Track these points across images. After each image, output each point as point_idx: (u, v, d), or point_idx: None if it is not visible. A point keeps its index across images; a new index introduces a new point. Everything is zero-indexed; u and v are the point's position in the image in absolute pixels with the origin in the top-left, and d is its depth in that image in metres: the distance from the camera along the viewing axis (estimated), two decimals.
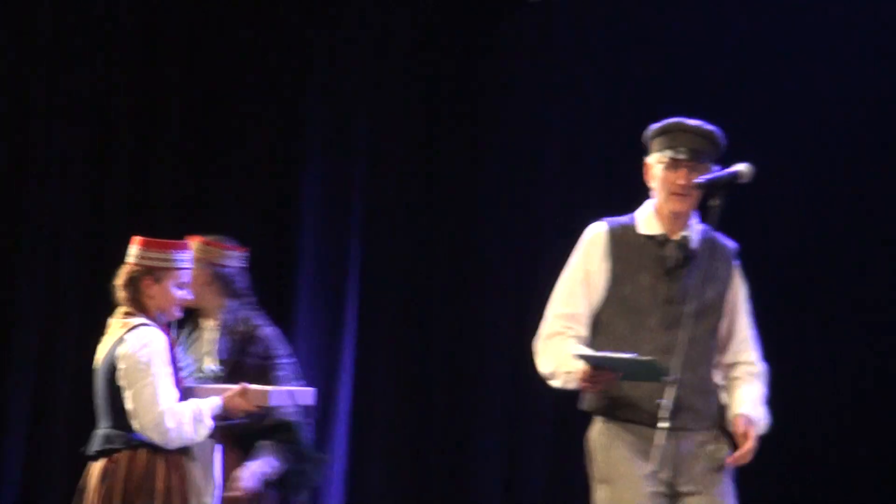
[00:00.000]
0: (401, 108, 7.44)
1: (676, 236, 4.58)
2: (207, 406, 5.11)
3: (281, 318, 6.84)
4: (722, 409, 4.57)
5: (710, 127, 4.59)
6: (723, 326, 4.61)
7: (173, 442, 5.04)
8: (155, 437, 5.02)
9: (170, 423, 5.01)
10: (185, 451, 5.11)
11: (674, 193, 4.54)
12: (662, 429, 4.28)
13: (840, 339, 7.07)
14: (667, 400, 4.29)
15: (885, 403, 7.05)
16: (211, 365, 5.61)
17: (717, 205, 4.37)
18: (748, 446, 4.44)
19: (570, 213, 7.31)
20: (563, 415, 7.20)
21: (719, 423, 4.57)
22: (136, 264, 5.18)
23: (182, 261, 5.24)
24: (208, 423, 5.09)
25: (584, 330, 4.60)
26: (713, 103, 6.52)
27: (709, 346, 4.56)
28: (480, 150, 7.47)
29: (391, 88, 7.44)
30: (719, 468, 4.51)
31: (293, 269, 7.15)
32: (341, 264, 7.23)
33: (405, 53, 7.44)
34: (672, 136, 4.56)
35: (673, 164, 4.53)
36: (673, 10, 7.36)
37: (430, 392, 7.33)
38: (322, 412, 6.97)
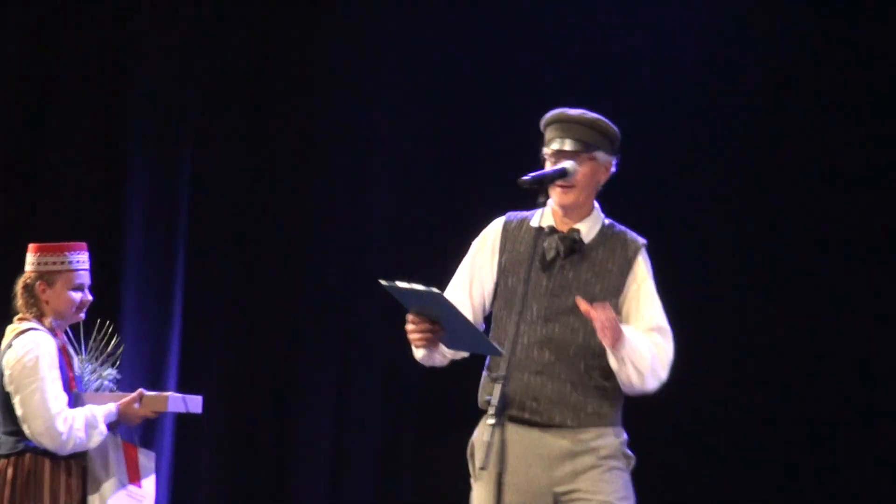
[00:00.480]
0: (228, 101, 7.39)
1: (565, 229, 4.46)
2: (102, 412, 5.15)
3: (108, 313, 6.81)
4: (612, 408, 4.41)
5: (591, 115, 4.44)
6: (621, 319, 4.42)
7: (65, 447, 5.08)
8: (47, 443, 5.06)
9: (61, 428, 5.05)
10: (76, 454, 5.13)
11: (557, 186, 4.41)
12: (489, 425, 4.15)
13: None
14: (494, 397, 4.15)
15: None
16: (112, 371, 5.55)
17: (544, 202, 4.28)
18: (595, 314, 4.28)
19: (397, 218, 7.42)
20: (392, 416, 7.28)
21: (610, 423, 4.40)
22: (30, 271, 5.28)
23: (76, 262, 5.31)
24: (102, 430, 5.14)
25: (469, 315, 4.46)
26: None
27: (593, 341, 4.34)
28: (306, 154, 7.46)
29: (217, 81, 7.39)
30: (603, 468, 4.35)
31: (119, 267, 7.05)
32: (168, 261, 7.17)
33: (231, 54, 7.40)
34: (553, 128, 4.44)
35: (555, 157, 4.42)
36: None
37: (255, 387, 7.32)
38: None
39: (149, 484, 5.41)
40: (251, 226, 7.37)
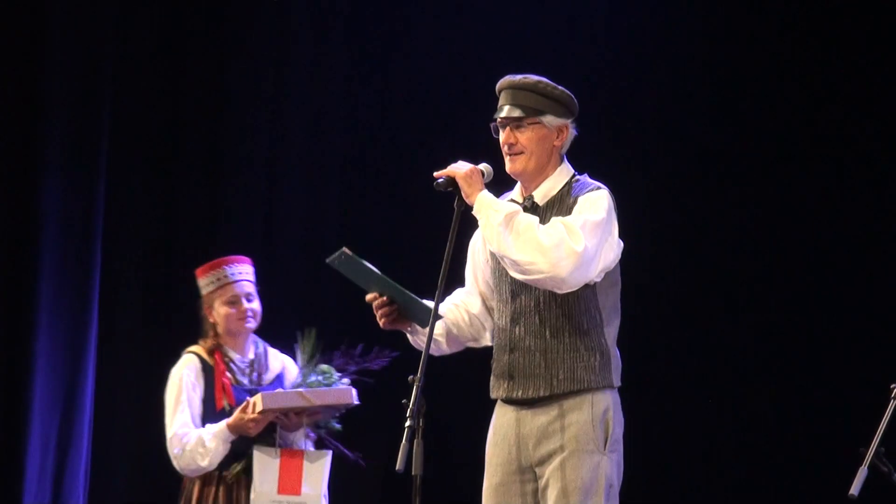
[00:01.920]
0: (146, 93, 7.32)
1: (522, 199, 4.39)
2: (212, 431, 5.38)
3: (21, 311, 6.73)
4: (588, 370, 4.24)
5: (533, 78, 4.36)
6: None
7: (183, 468, 5.45)
8: (173, 465, 5.48)
9: (173, 451, 5.41)
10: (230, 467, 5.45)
11: (506, 154, 4.36)
12: (406, 427, 4.05)
13: None
14: (411, 399, 4.07)
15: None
16: (325, 366, 5.77)
17: (459, 205, 4.25)
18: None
19: (311, 198, 7.40)
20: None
21: (586, 387, 4.23)
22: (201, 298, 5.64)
23: (225, 277, 5.61)
24: (211, 448, 5.37)
25: (476, 301, 4.48)
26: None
27: (559, 310, 4.24)
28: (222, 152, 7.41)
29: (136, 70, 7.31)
30: (567, 453, 4.21)
31: (33, 265, 6.94)
32: (84, 257, 7.08)
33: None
34: (501, 96, 4.38)
35: (501, 126, 4.37)
36: None
37: None
38: (65, 408, 6.84)
39: (314, 487, 5.47)
40: (165, 220, 7.32)
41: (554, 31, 7.32)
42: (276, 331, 5.92)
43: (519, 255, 4.12)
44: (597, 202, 4.22)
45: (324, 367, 5.72)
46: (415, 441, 4.14)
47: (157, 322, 7.25)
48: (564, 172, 4.39)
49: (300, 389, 5.56)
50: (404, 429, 4.10)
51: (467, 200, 4.22)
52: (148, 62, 7.30)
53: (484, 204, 4.20)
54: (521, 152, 4.34)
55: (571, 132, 4.39)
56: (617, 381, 4.29)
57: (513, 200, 4.39)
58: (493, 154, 4.45)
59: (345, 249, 4.29)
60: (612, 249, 4.23)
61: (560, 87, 4.36)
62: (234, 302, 5.65)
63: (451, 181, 4.29)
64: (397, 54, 7.53)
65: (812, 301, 7.04)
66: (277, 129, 7.48)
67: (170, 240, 7.32)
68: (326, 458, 5.57)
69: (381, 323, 4.39)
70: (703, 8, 7.23)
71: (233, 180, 7.39)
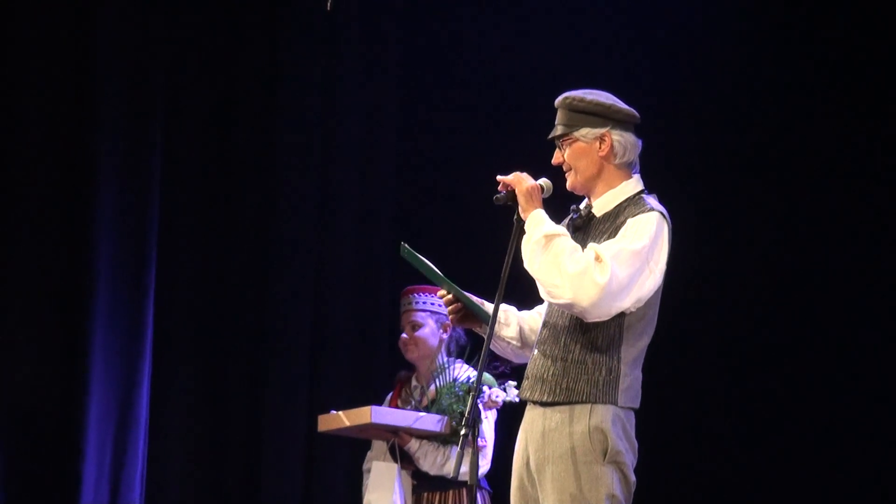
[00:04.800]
0: (196, 105, 7.38)
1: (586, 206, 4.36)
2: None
3: (78, 323, 6.80)
4: (591, 384, 4.17)
5: (567, 95, 4.34)
6: None
7: None
8: None
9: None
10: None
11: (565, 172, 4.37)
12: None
13: None
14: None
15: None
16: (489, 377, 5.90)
17: (518, 220, 4.23)
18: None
19: (365, 213, 7.47)
20: None
21: (588, 400, 4.17)
22: None
23: (402, 305, 5.98)
24: (367, 467, 5.91)
25: None
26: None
27: (578, 321, 4.18)
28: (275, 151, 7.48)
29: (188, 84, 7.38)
30: (565, 463, 4.16)
31: (89, 274, 7.01)
32: (139, 268, 7.13)
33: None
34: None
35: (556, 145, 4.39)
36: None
37: (227, 398, 7.32)
38: (121, 412, 6.91)
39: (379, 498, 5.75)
40: (220, 229, 7.37)
41: (614, 39, 7.39)
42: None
43: (542, 276, 4.14)
44: (642, 228, 4.17)
45: (464, 385, 5.83)
46: (469, 450, 4.18)
47: (212, 329, 7.30)
48: (630, 187, 4.32)
49: (406, 411, 5.73)
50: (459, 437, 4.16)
51: (522, 215, 4.24)
52: (198, 77, 7.36)
53: (532, 221, 4.21)
54: (570, 169, 4.34)
55: (618, 139, 4.29)
56: (624, 401, 4.19)
57: (576, 206, 4.39)
58: (547, 165, 4.47)
59: (403, 243, 4.33)
60: (651, 278, 4.16)
61: (591, 97, 4.30)
62: (402, 330, 6.02)
63: (511, 195, 4.30)
64: (451, 66, 7.60)
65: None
66: (329, 144, 7.54)
67: (223, 249, 7.37)
68: (395, 471, 5.66)
69: (450, 320, 4.48)
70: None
71: (285, 190, 7.45)
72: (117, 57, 7.06)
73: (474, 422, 4.16)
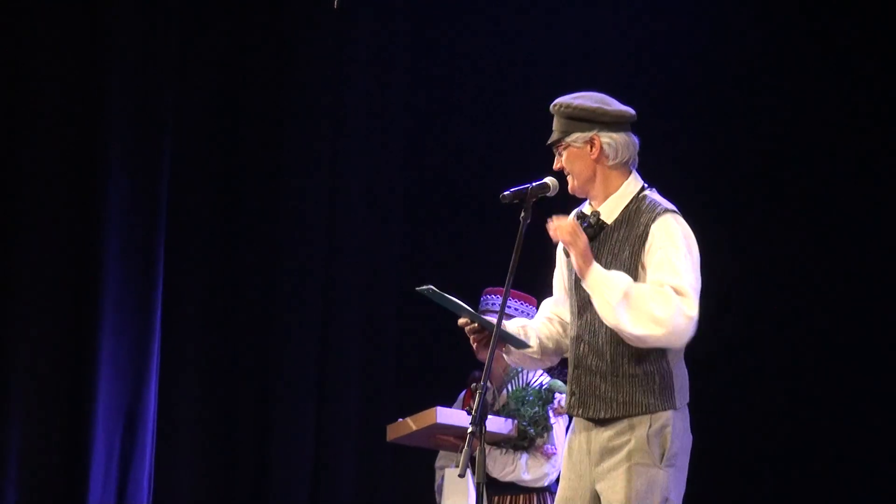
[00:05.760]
0: (205, 103, 7.39)
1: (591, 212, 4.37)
2: None
3: (86, 326, 6.82)
4: (647, 394, 4.19)
5: (557, 101, 4.37)
6: None
7: None
8: None
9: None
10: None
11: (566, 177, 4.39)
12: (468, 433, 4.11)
13: None
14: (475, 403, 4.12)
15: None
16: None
17: (525, 219, 4.23)
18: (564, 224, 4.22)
19: (373, 208, 7.48)
20: (369, 416, 7.32)
21: (645, 410, 4.19)
22: None
23: (480, 305, 5.86)
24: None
25: (566, 310, 4.43)
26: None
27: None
28: (282, 150, 7.48)
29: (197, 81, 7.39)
30: (624, 467, 4.18)
31: (97, 273, 7.02)
32: (147, 270, 7.13)
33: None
34: None
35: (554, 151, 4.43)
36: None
37: (234, 400, 7.32)
38: (128, 415, 6.92)
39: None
40: (227, 238, 7.38)
41: (619, 43, 7.40)
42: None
43: (636, 330, 4.11)
44: (675, 237, 4.20)
45: (535, 391, 5.85)
46: (477, 448, 4.20)
47: (220, 329, 7.32)
48: (631, 187, 4.34)
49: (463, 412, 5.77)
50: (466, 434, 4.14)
51: (579, 273, 4.20)
52: (207, 74, 7.36)
53: (598, 281, 4.15)
54: (569, 174, 4.37)
55: (607, 141, 4.30)
56: (680, 402, 4.24)
57: (581, 213, 4.39)
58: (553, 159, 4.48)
59: (431, 287, 4.32)
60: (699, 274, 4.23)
61: (577, 102, 4.33)
62: None
63: (518, 194, 4.31)
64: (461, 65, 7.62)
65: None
66: (339, 141, 7.56)
67: (232, 249, 7.39)
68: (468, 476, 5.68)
69: (474, 347, 4.39)
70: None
71: (294, 185, 7.46)
72: (126, 56, 7.07)
73: (481, 420, 4.15)
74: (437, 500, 5.98)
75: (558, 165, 4.37)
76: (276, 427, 7.30)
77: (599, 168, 4.32)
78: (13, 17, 6.90)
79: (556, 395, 5.79)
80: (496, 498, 5.84)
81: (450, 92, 7.71)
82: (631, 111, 4.37)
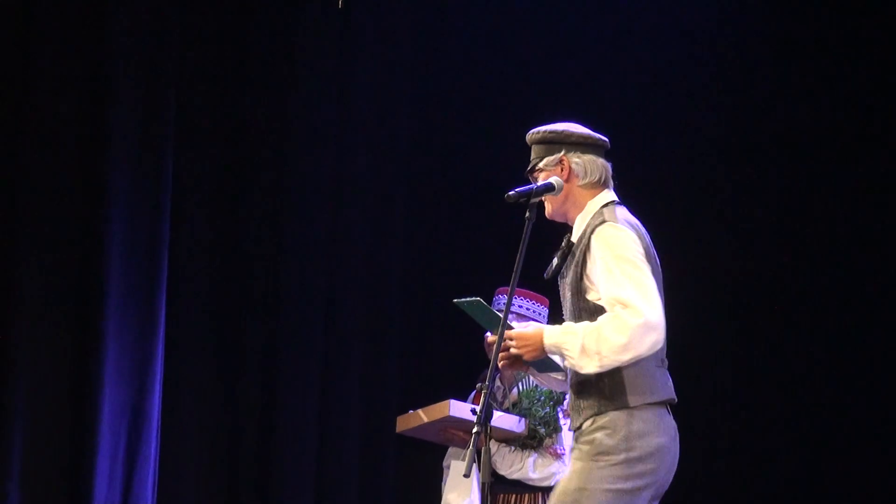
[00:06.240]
0: (210, 96, 7.40)
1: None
2: None
3: (89, 320, 6.82)
4: (605, 398, 4.28)
5: (529, 132, 4.53)
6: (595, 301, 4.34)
7: None
8: None
9: None
10: None
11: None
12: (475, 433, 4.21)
13: None
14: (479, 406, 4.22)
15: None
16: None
17: (529, 218, 4.28)
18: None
19: (377, 208, 7.48)
20: (373, 416, 7.32)
21: (604, 409, 4.28)
22: None
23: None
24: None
25: None
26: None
27: None
28: (288, 148, 7.50)
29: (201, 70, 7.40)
30: (577, 464, 4.28)
31: (101, 274, 7.01)
32: (151, 270, 7.13)
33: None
34: None
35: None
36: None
37: (239, 398, 7.33)
38: (133, 415, 6.93)
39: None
40: (232, 237, 7.38)
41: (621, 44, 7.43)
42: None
43: (612, 365, 4.20)
44: (611, 244, 4.27)
45: (545, 392, 5.86)
46: (482, 448, 4.24)
47: (223, 329, 7.32)
48: (595, 204, 4.43)
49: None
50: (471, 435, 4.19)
51: (540, 356, 4.32)
52: (211, 70, 7.36)
53: (556, 347, 4.28)
54: (545, 201, 4.47)
55: (576, 161, 4.44)
56: (635, 401, 4.27)
57: (568, 239, 4.48)
58: None
59: (478, 298, 4.37)
60: (647, 272, 4.25)
61: (545, 127, 4.48)
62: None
63: (523, 195, 4.35)
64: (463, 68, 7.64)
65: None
66: (344, 141, 7.57)
67: (236, 247, 7.39)
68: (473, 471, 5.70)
69: (500, 364, 4.41)
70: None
71: (300, 183, 7.47)
72: (130, 56, 7.07)
73: (486, 420, 4.20)
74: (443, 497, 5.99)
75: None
76: (280, 427, 7.30)
77: (572, 188, 4.45)
78: (18, 20, 6.91)
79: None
80: (502, 496, 5.85)
81: (455, 92, 7.72)
82: (601, 137, 4.49)
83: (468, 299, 4.37)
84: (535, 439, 5.81)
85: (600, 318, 4.21)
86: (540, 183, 4.42)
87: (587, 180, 4.44)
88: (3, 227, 6.85)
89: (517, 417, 5.78)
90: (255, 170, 7.44)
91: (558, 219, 4.50)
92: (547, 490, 5.83)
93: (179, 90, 7.22)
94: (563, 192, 4.44)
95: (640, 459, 4.23)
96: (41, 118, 6.91)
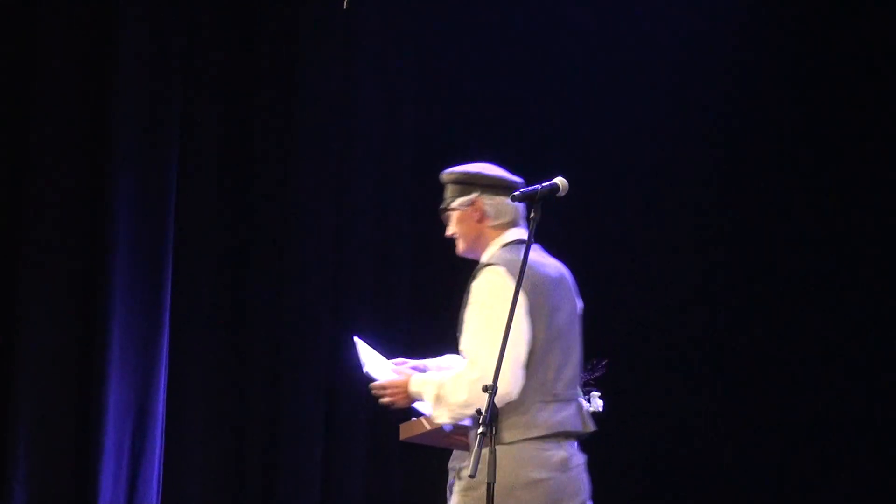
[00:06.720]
0: (215, 100, 7.40)
1: None
2: None
3: (95, 324, 6.83)
4: (463, 434, 4.50)
5: (444, 171, 4.65)
6: None
7: None
8: None
9: None
10: None
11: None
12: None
13: None
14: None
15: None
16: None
17: (534, 218, 4.27)
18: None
19: (382, 210, 7.48)
20: (378, 420, 7.32)
21: (465, 445, 4.51)
22: None
23: None
24: None
25: None
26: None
27: None
28: (293, 147, 7.49)
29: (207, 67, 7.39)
30: (454, 495, 4.47)
31: (106, 273, 7.02)
32: (156, 269, 7.14)
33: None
34: None
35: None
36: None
37: (244, 399, 7.33)
38: (138, 414, 6.94)
39: None
40: (237, 236, 7.39)
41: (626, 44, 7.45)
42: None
43: (464, 412, 4.36)
44: (479, 293, 4.37)
45: None
46: (487, 448, 4.18)
47: (229, 327, 7.32)
48: (495, 245, 4.54)
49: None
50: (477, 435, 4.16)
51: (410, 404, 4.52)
52: (216, 71, 7.36)
53: (417, 397, 4.49)
54: (457, 236, 4.61)
55: (489, 202, 4.54)
56: (510, 438, 4.35)
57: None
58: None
59: (357, 337, 4.56)
60: (522, 332, 4.32)
61: (459, 168, 4.60)
62: None
63: (529, 195, 4.35)
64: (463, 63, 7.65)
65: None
66: (349, 143, 7.57)
67: (241, 247, 7.39)
68: None
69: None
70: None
71: (305, 184, 7.48)
72: (135, 56, 7.09)
73: (492, 420, 4.17)
74: (448, 498, 5.96)
75: (449, 231, 4.60)
76: (286, 426, 7.31)
77: (483, 229, 4.56)
78: (24, 18, 6.93)
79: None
80: None
81: (460, 99, 7.71)
82: (514, 179, 4.58)
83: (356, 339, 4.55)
84: None
85: (453, 370, 4.39)
86: (544, 184, 4.38)
87: (498, 221, 4.55)
88: (10, 229, 6.87)
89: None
90: (261, 171, 7.43)
91: (470, 256, 4.59)
92: None
93: (185, 90, 7.23)
94: (469, 234, 4.56)
95: (508, 492, 4.29)
96: (47, 119, 6.93)
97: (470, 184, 4.57)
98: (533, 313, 4.36)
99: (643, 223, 7.47)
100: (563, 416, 4.42)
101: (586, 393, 5.85)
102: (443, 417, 4.40)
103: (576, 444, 4.47)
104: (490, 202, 4.55)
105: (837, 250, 7.23)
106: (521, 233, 4.56)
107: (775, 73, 7.39)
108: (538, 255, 4.51)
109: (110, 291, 6.95)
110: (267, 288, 7.38)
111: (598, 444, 4.59)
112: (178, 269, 7.18)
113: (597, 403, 5.80)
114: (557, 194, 4.38)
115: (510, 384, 4.30)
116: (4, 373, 6.81)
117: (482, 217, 4.55)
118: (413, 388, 4.49)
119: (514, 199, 4.39)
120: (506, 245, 4.52)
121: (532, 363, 4.37)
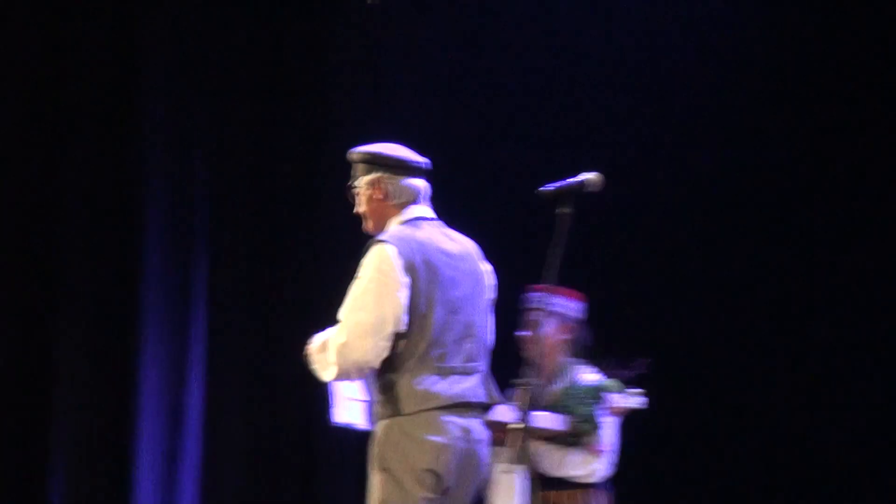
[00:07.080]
0: (240, 109, 7.43)
1: None
2: None
3: (127, 317, 6.87)
4: (380, 404, 4.50)
5: (350, 150, 4.72)
6: None
7: None
8: None
9: None
10: None
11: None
12: None
13: None
14: None
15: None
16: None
17: (566, 213, 4.25)
18: None
19: None
20: None
21: (381, 417, 4.50)
22: None
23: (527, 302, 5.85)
24: None
25: None
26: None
27: None
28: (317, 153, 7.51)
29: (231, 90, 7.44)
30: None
31: (137, 272, 7.07)
32: (191, 269, 7.17)
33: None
34: None
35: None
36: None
37: (280, 390, 7.33)
38: (173, 412, 6.97)
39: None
40: (268, 237, 7.41)
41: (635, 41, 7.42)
42: None
43: (333, 371, 4.48)
44: (363, 267, 4.49)
45: (584, 389, 5.86)
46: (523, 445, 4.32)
47: (264, 328, 7.34)
48: (394, 223, 4.62)
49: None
50: None
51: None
52: (243, 76, 7.40)
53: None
54: (363, 215, 4.68)
55: (389, 181, 4.62)
56: (408, 409, 4.44)
57: None
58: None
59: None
60: (391, 306, 4.42)
61: (363, 148, 4.67)
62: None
63: (558, 189, 4.33)
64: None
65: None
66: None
67: (274, 243, 7.40)
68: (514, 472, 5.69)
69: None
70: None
71: (330, 181, 7.48)
72: (162, 67, 7.18)
73: (527, 417, 4.30)
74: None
75: (356, 209, 4.66)
76: (322, 425, 7.30)
77: (385, 208, 4.64)
78: (53, 27, 7.00)
79: (610, 394, 5.79)
80: (541, 493, 5.84)
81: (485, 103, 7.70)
82: (417, 161, 4.67)
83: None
84: (576, 437, 5.80)
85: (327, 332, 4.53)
86: (575, 179, 4.34)
87: (397, 200, 4.63)
88: (48, 239, 6.93)
89: (559, 415, 5.77)
90: (290, 173, 7.45)
91: (376, 234, 4.61)
92: (588, 486, 5.83)
93: (213, 98, 7.27)
94: (375, 212, 4.64)
95: (406, 468, 4.39)
96: (80, 126, 7.03)
97: (372, 163, 4.64)
98: (420, 288, 4.43)
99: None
100: (463, 388, 4.48)
101: (623, 390, 5.84)
102: (327, 375, 4.51)
103: (479, 418, 4.52)
104: (391, 182, 4.62)
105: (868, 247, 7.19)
106: (422, 210, 4.64)
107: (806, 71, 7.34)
108: (437, 232, 4.60)
109: (145, 293, 7.05)
110: (299, 287, 7.39)
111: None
112: (213, 269, 7.22)
113: (638, 400, 5.79)
114: (590, 190, 4.34)
115: (366, 352, 4.39)
116: (41, 372, 6.87)
117: (385, 195, 4.62)
118: (311, 347, 4.58)
119: (543, 194, 4.33)
120: (404, 223, 4.59)
121: (424, 337, 4.44)
